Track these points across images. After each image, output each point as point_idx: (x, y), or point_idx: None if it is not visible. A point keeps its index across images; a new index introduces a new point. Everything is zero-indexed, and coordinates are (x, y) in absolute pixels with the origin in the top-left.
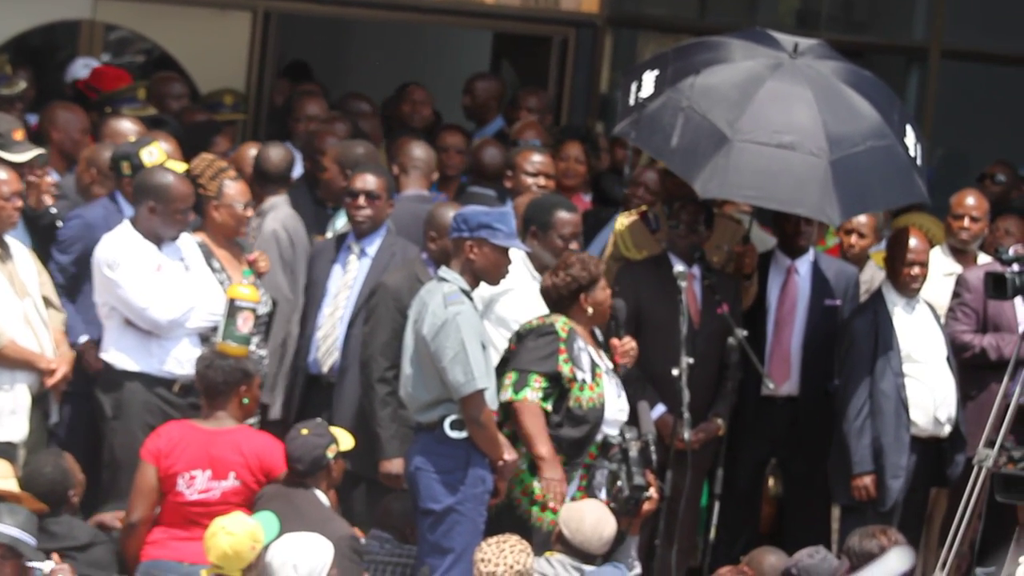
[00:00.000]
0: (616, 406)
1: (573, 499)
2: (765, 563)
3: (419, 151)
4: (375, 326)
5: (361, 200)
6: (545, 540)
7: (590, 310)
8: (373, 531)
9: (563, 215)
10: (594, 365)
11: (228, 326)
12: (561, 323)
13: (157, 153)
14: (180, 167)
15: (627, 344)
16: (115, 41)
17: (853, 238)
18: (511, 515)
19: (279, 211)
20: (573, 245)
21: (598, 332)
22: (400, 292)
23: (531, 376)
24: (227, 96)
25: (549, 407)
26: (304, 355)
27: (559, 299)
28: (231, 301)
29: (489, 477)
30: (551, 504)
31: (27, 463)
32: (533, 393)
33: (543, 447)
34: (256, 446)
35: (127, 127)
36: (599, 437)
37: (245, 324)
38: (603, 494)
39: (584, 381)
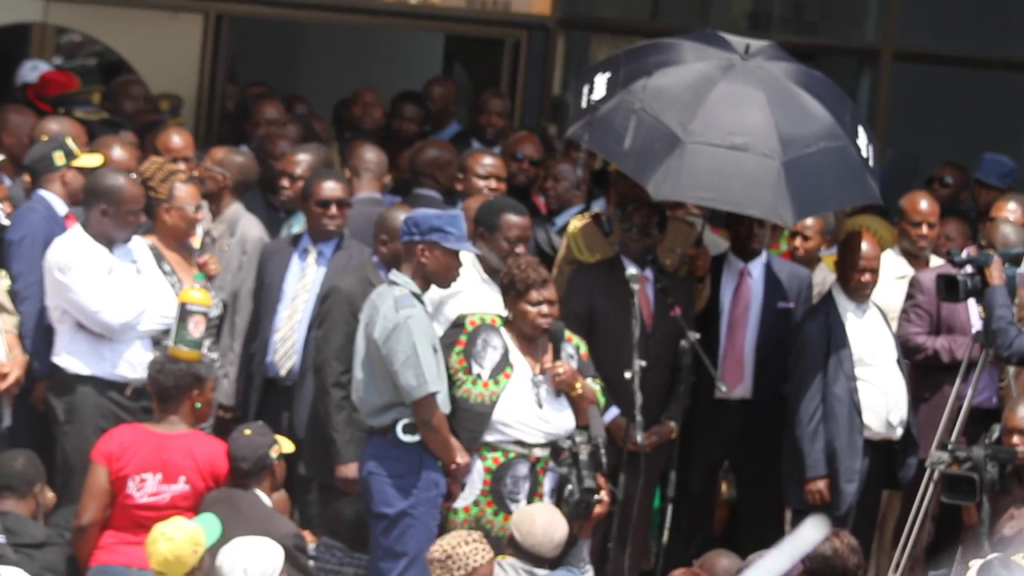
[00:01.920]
0: (533, 412)
1: (476, 503)
2: (718, 566)
3: (371, 154)
4: (329, 330)
5: (333, 210)
6: None
7: (507, 315)
8: (323, 539)
9: (510, 218)
10: (505, 365)
11: (180, 330)
12: (475, 318)
13: (74, 144)
14: (100, 157)
15: (556, 367)
16: (67, 44)
17: (798, 240)
18: None
19: (249, 217)
20: (519, 248)
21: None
22: (353, 296)
23: None
24: (163, 101)
25: None
26: (260, 358)
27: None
28: (182, 305)
29: (442, 480)
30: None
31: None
32: None
33: None
34: (208, 451)
35: (64, 128)
36: (533, 439)
37: (196, 328)
38: (523, 502)
39: (479, 376)
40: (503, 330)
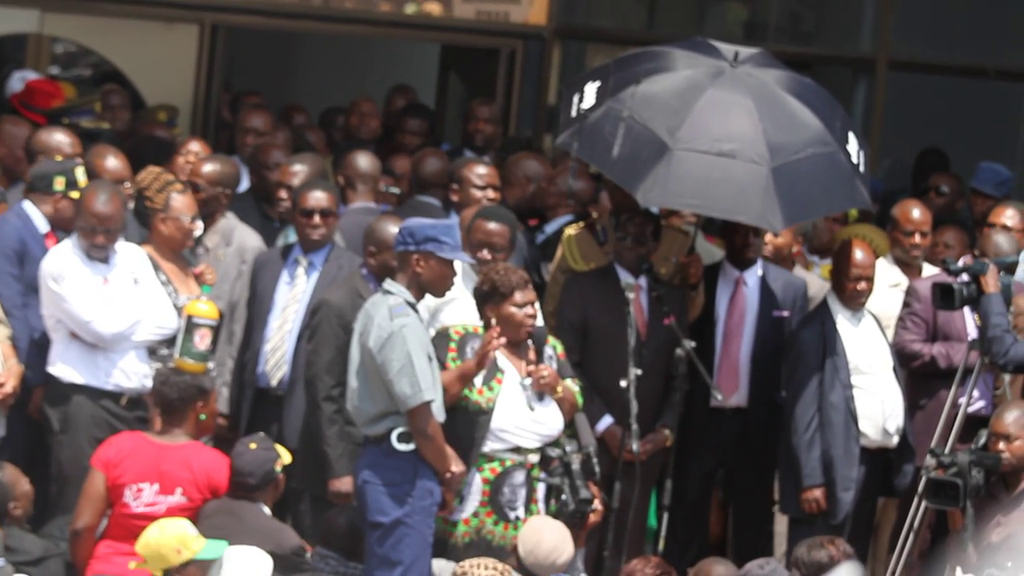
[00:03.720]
0: (528, 417)
1: (476, 515)
2: (713, 574)
3: (365, 163)
4: (319, 344)
5: (316, 219)
6: (461, 556)
7: (492, 320)
8: (317, 549)
9: (479, 222)
10: (495, 371)
11: (185, 342)
12: (459, 327)
13: (84, 175)
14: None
15: (539, 371)
16: (62, 55)
17: (768, 236)
18: None
19: (244, 227)
20: (484, 253)
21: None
22: (343, 309)
23: None
24: (160, 112)
25: None
26: (252, 368)
27: (476, 302)
28: (189, 317)
29: (437, 489)
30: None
31: None
32: None
33: None
34: (205, 463)
35: (60, 139)
36: (529, 443)
37: (202, 341)
38: (520, 510)
39: (472, 384)
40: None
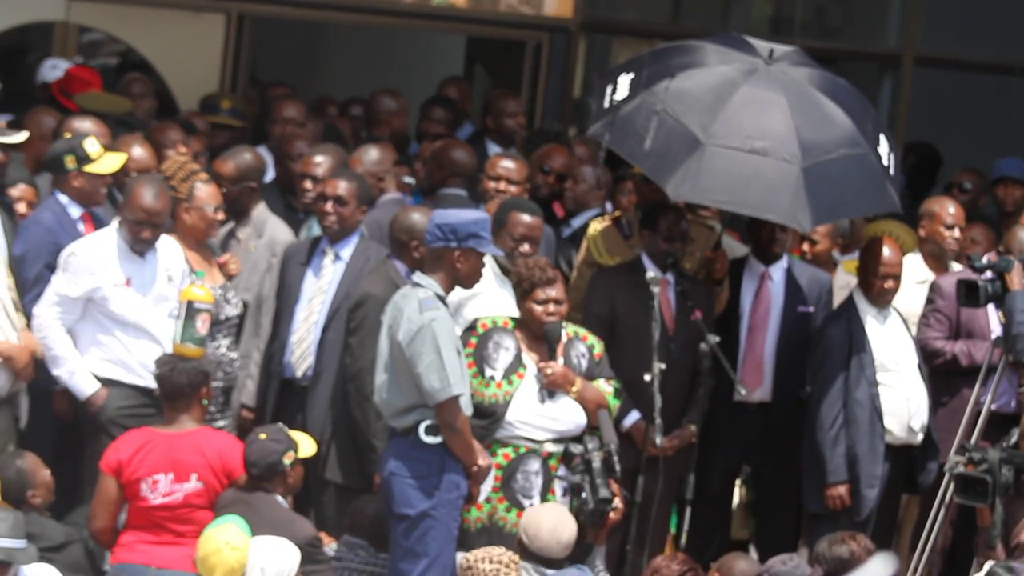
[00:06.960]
0: (538, 411)
1: (488, 500)
2: (736, 569)
3: (379, 154)
4: (365, 338)
5: (328, 206)
6: (473, 541)
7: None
8: (345, 537)
9: (515, 215)
10: (518, 366)
11: (187, 328)
12: (487, 320)
13: (97, 145)
14: (119, 159)
15: (544, 368)
16: (89, 43)
17: (806, 245)
18: None
19: (276, 219)
20: (524, 247)
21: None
22: (387, 302)
23: None
24: (225, 101)
25: None
26: (278, 359)
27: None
28: (188, 303)
29: (463, 483)
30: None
31: None
32: None
33: None
34: (217, 446)
35: (90, 127)
36: (551, 447)
37: (204, 325)
38: (536, 499)
39: (492, 378)
40: (515, 331)
